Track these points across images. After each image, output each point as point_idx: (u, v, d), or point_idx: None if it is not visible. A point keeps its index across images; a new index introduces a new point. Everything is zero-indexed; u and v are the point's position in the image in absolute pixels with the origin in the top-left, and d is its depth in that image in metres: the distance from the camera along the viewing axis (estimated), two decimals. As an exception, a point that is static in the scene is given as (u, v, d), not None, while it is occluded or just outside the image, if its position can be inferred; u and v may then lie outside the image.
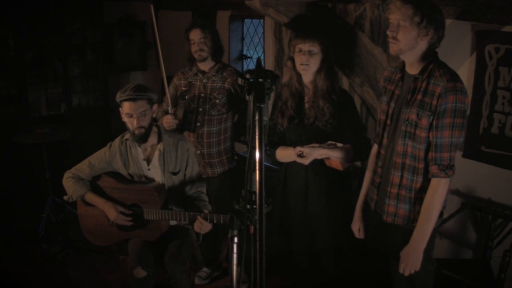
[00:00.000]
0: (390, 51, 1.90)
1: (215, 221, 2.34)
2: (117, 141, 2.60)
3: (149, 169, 2.58)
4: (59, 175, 2.64)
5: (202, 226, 2.35)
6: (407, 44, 1.82)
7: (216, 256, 3.28)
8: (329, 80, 2.38)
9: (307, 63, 2.33)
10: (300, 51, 2.35)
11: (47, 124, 3.90)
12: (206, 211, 2.40)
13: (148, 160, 2.58)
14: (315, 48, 2.33)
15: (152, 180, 2.58)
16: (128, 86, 2.44)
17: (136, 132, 2.45)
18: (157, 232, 2.50)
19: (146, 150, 2.58)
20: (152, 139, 2.54)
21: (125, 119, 2.46)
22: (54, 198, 3.75)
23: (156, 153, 2.56)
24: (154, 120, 2.56)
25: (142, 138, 2.48)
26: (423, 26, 1.78)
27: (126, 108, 2.42)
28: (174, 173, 2.59)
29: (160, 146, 2.55)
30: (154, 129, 2.55)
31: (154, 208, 2.45)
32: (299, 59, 2.35)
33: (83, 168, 2.57)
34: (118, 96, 2.43)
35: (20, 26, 4.51)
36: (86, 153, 2.62)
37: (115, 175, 2.60)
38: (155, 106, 2.52)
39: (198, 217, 2.35)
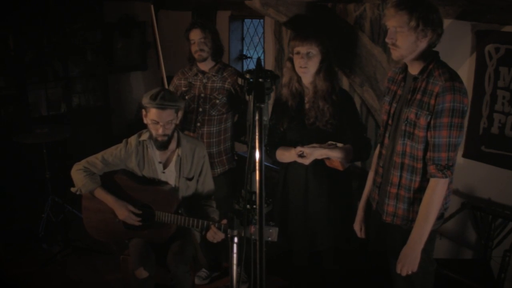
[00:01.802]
0: (392, 57, 1.91)
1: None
2: (133, 140, 2.56)
3: (163, 172, 2.57)
4: (59, 175, 2.63)
5: (216, 236, 2.35)
6: (408, 48, 1.83)
7: (215, 257, 3.28)
8: (329, 81, 2.37)
9: (306, 66, 2.33)
10: (298, 53, 2.34)
11: (47, 124, 3.90)
12: (224, 221, 2.36)
13: (165, 164, 2.57)
14: (313, 50, 2.32)
15: (165, 182, 2.56)
16: (158, 92, 2.40)
17: (159, 139, 2.45)
18: (165, 234, 2.49)
19: (165, 154, 2.56)
20: (172, 144, 2.53)
21: (149, 124, 2.45)
22: (54, 198, 3.75)
23: (174, 158, 2.55)
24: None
25: (164, 145, 2.49)
26: (420, 29, 1.78)
27: (153, 114, 2.41)
28: (189, 179, 2.58)
29: (179, 151, 2.54)
30: (174, 134, 2.54)
31: (167, 211, 2.43)
32: (297, 62, 2.35)
33: (96, 162, 2.53)
34: (146, 102, 2.41)
35: (20, 26, 4.51)
36: (86, 153, 2.61)
37: (129, 173, 2.57)
38: (180, 113, 2.52)
39: (212, 226, 2.34)
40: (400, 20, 1.79)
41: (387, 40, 1.86)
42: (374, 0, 2.69)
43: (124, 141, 2.58)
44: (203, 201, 2.63)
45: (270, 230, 1.98)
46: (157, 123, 2.41)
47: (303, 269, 2.72)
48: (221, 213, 2.45)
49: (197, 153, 2.59)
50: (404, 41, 1.81)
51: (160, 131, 2.42)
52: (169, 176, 2.57)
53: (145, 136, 2.54)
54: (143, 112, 2.47)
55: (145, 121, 2.49)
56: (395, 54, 1.87)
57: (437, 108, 1.80)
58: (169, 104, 2.39)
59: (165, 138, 2.46)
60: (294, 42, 2.35)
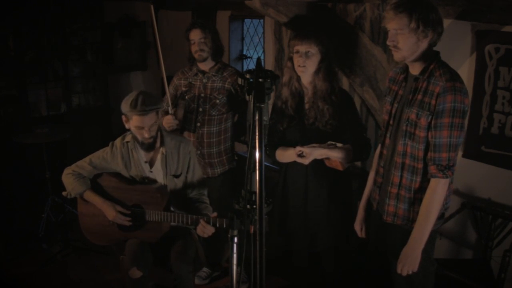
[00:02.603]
0: (394, 58, 1.91)
1: (218, 225, 2.33)
2: (118, 142, 2.57)
3: (151, 171, 2.57)
4: (59, 175, 2.64)
5: (205, 230, 2.35)
6: (409, 50, 1.83)
7: (215, 256, 3.28)
8: (328, 81, 2.37)
9: (304, 65, 2.33)
10: (298, 52, 2.34)
11: (47, 124, 3.90)
12: (214, 215, 2.37)
13: (151, 163, 2.57)
14: (312, 50, 2.32)
15: (154, 181, 2.57)
16: (137, 99, 2.36)
17: (146, 142, 2.45)
18: (158, 233, 2.50)
19: (149, 153, 2.56)
20: (156, 142, 2.53)
21: (133, 130, 2.44)
22: (54, 198, 3.74)
23: (159, 156, 2.55)
24: None
25: (151, 146, 2.48)
26: (421, 30, 1.78)
27: (136, 121, 2.39)
28: (176, 176, 2.58)
29: (163, 149, 2.54)
30: (157, 133, 2.54)
31: (157, 209, 2.44)
32: (296, 61, 2.35)
33: (84, 166, 2.55)
34: (127, 110, 2.38)
35: (20, 26, 4.51)
36: (86, 153, 2.61)
37: (118, 174, 2.58)
38: (160, 112, 2.52)
39: (201, 220, 2.34)
40: (400, 22, 1.79)
41: (388, 42, 1.86)
42: (374, 0, 2.69)
43: (110, 144, 2.58)
44: (196, 196, 2.63)
45: None
46: (142, 128, 2.40)
47: (303, 269, 2.71)
48: (221, 213, 2.45)
49: (182, 149, 2.58)
50: (405, 43, 1.81)
51: (146, 135, 2.42)
52: (157, 175, 2.57)
53: (129, 137, 2.53)
54: (124, 118, 2.45)
55: (127, 127, 2.48)
56: (397, 56, 1.87)
57: (438, 109, 1.80)
58: (151, 108, 2.37)
59: (151, 140, 2.46)
60: (294, 41, 2.36)
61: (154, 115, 2.41)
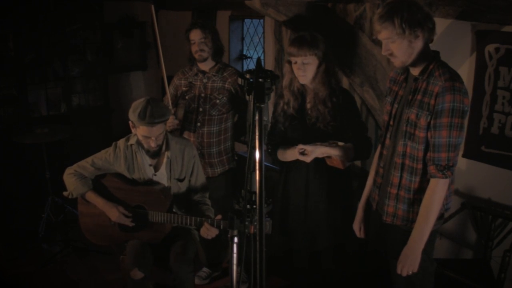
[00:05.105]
0: (395, 66, 1.93)
1: (221, 227, 2.33)
2: (122, 143, 2.55)
3: (155, 175, 2.56)
4: (59, 175, 2.64)
5: (209, 232, 2.35)
6: (405, 54, 1.84)
7: (215, 256, 3.28)
8: (327, 84, 2.36)
9: (303, 74, 2.33)
10: (295, 63, 2.34)
11: (47, 124, 3.90)
12: (219, 217, 2.37)
13: (156, 167, 2.56)
14: (309, 58, 2.30)
15: (157, 182, 2.56)
16: (145, 108, 2.34)
17: (152, 150, 2.45)
18: (160, 234, 2.49)
19: (154, 158, 2.56)
20: (161, 149, 2.53)
21: (139, 137, 2.44)
22: (54, 198, 3.74)
23: (164, 160, 2.54)
24: None
25: (157, 153, 2.49)
26: (408, 33, 1.78)
27: (143, 131, 2.38)
28: (180, 180, 2.58)
29: (168, 153, 2.53)
30: None
31: (160, 210, 2.44)
32: (295, 71, 2.35)
33: (86, 166, 2.54)
34: (135, 120, 2.37)
35: (20, 26, 4.51)
36: (86, 153, 2.61)
37: (120, 175, 2.57)
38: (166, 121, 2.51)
39: (205, 222, 2.34)
40: (387, 32, 1.81)
41: (383, 53, 1.88)
42: (374, 0, 2.69)
43: (113, 144, 2.56)
44: (198, 198, 2.63)
45: None
46: (149, 137, 2.40)
47: (303, 269, 2.71)
48: (221, 213, 2.45)
49: (186, 153, 2.58)
50: (399, 49, 1.83)
51: (153, 144, 2.42)
52: (161, 178, 2.57)
53: (133, 140, 2.51)
54: (130, 124, 2.44)
55: (133, 132, 2.48)
56: (396, 62, 1.89)
57: (437, 108, 1.80)
58: (159, 120, 2.36)
59: (157, 148, 2.46)
60: (290, 49, 2.34)
61: (162, 125, 2.40)
